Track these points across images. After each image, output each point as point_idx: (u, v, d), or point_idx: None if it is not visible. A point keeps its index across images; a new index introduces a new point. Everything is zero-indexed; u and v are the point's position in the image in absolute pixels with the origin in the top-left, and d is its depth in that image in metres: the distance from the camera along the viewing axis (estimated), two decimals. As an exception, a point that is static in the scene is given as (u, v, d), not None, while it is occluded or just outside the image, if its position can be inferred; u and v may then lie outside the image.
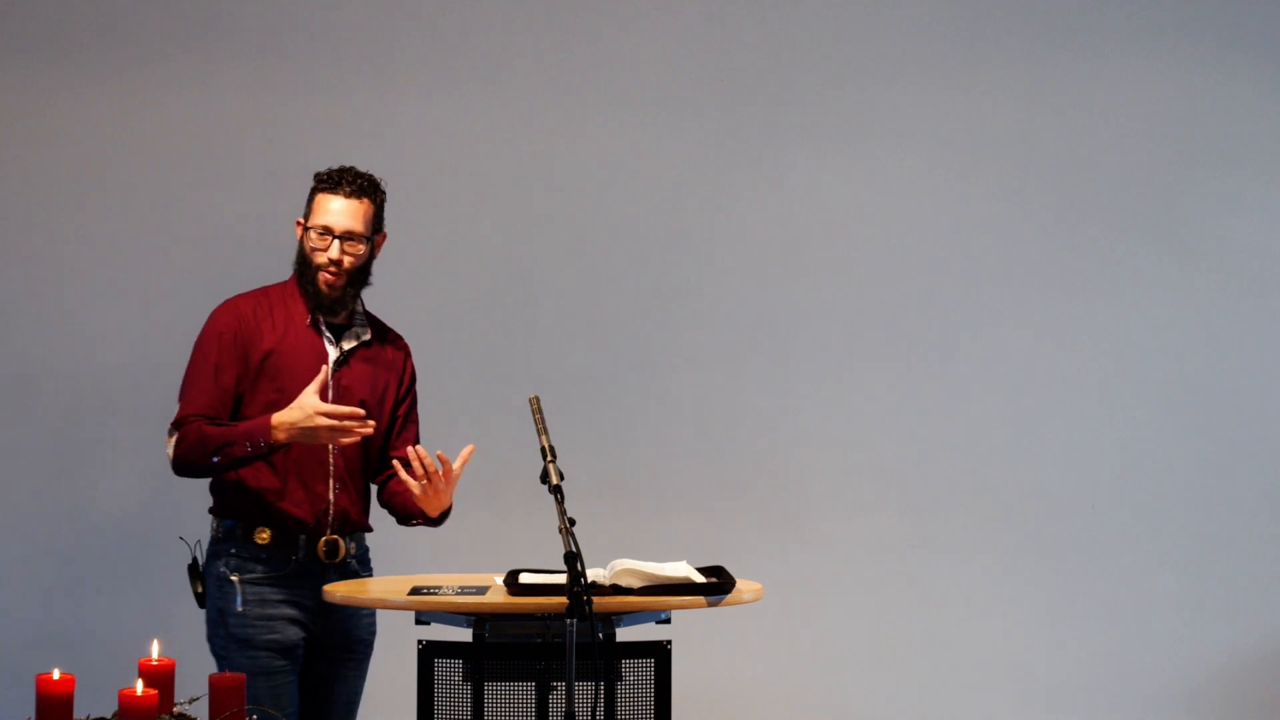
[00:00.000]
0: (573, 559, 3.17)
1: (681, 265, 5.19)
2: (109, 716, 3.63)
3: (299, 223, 3.87)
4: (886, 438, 5.19)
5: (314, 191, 3.84)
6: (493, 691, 3.48)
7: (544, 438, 3.46)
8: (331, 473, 3.79)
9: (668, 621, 3.64)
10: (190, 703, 3.76)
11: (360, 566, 3.91)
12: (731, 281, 5.20)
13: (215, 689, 3.69)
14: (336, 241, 3.78)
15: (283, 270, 5.09)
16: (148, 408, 5.05)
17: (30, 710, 3.63)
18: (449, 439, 5.11)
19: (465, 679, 3.48)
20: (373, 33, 5.12)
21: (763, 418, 5.22)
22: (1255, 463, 5.31)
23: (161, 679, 3.68)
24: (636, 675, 3.52)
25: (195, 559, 3.86)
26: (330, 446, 3.77)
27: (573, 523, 3.26)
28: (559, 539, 3.24)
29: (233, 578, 3.78)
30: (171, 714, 3.67)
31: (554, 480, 3.36)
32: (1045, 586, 5.24)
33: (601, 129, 5.17)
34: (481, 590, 3.49)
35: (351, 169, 3.86)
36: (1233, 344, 5.31)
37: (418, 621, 3.57)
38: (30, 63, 5.04)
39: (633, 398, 5.15)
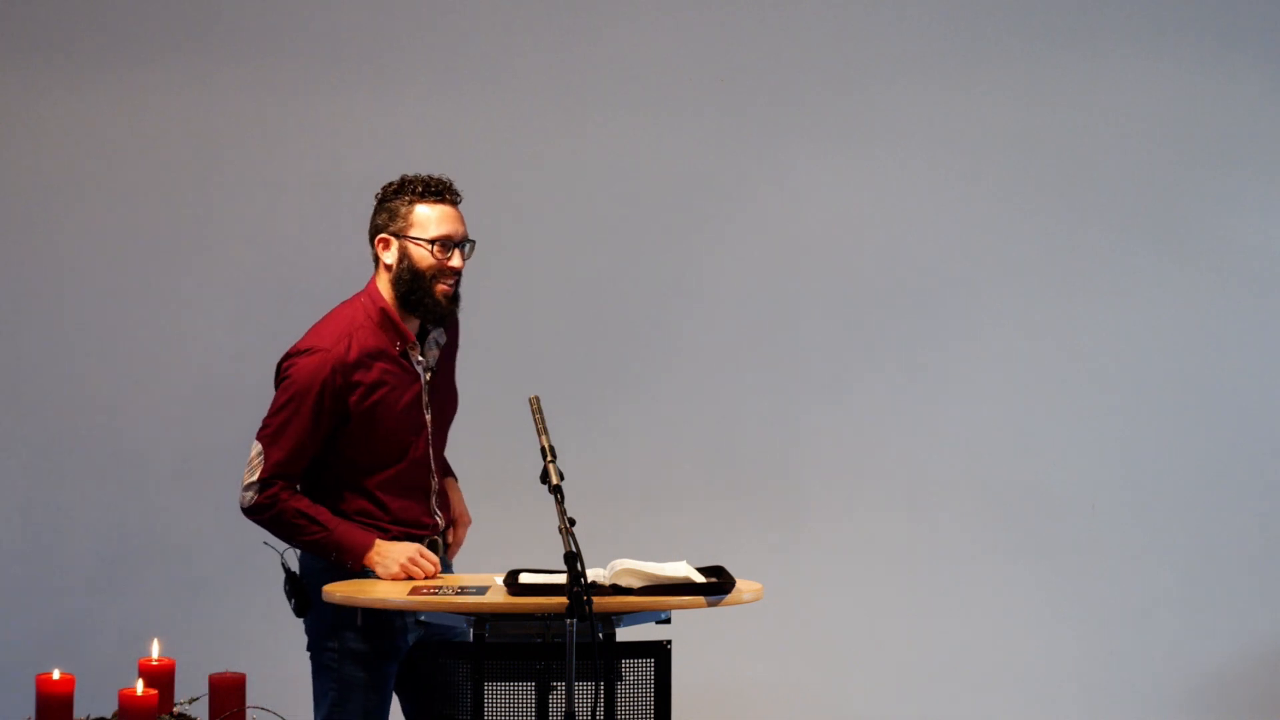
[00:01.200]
0: (573, 559, 3.17)
1: (682, 265, 5.19)
2: (109, 716, 3.64)
3: (384, 239, 3.71)
4: (886, 437, 5.19)
5: (406, 204, 3.71)
6: (493, 691, 3.48)
7: (544, 438, 3.46)
8: (434, 489, 3.83)
9: (668, 621, 3.63)
10: (190, 703, 3.76)
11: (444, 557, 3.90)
12: (732, 281, 5.20)
13: (215, 689, 3.69)
14: (457, 249, 3.73)
15: (277, 267, 5.10)
16: (148, 407, 5.06)
17: (30, 710, 3.63)
18: (449, 439, 5.12)
19: (465, 679, 3.48)
20: (373, 33, 5.12)
21: (763, 417, 5.22)
22: (1255, 463, 5.31)
23: (161, 679, 3.68)
24: (636, 675, 3.52)
25: (293, 571, 3.78)
26: (432, 467, 3.78)
27: (573, 523, 3.26)
28: (559, 539, 3.24)
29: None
30: (171, 714, 3.67)
31: (554, 480, 3.36)
32: (1045, 586, 5.24)
33: (601, 129, 5.17)
34: (481, 590, 3.49)
35: (432, 176, 3.76)
36: (1233, 344, 5.31)
37: (418, 621, 3.57)
38: (30, 63, 5.04)
39: (633, 398, 5.15)
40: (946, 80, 5.24)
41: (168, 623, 4.78)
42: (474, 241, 3.77)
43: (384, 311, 3.71)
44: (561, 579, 3.30)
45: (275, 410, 3.68)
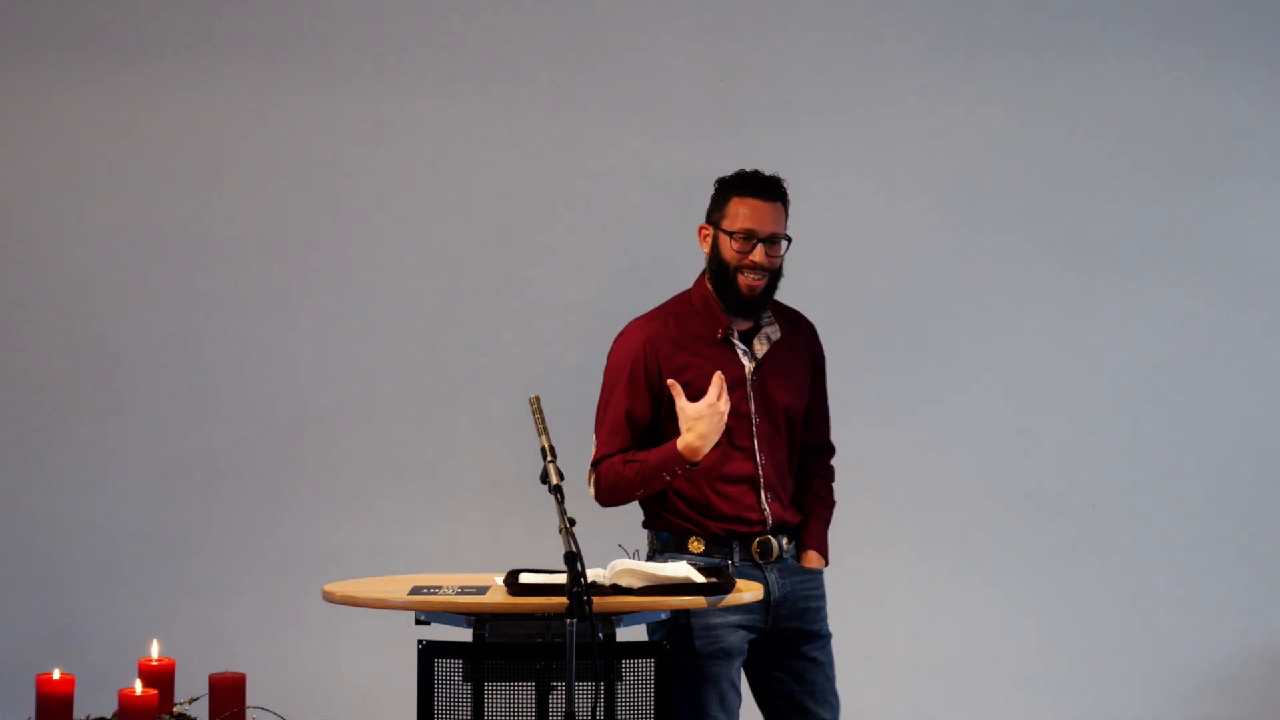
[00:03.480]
0: (573, 559, 3.17)
1: (681, 265, 5.18)
2: (109, 716, 3.64)
3: (704, 229, 3.85)
4: (886, 437, 5.19)
5: (726, 196, 3.82)
6: (493, 691, 3.48)
7: (544, 438, 3.46)
8: (762, 484, 3.79)
9: (668, 621, 3.64)
10: (190, 703, 3.77)
11: (793, 560, 3.86)
12: (731, 281, 5.20)
13: (215, 689, 3.70)
14: (761, 245, 3.76)
15: (278, 267, 5.11)
16: (148, 407, 5.05)
17: (30, 710, 3.63)
18: (449, 439, 5.13)
19: (465, 679, 3.48)
20: (373, 33, 5.12)
21: (763, 418, 5.22)
22: (1255, 463, 5.31)
23: (161, 679, 3.69)
24: (636, 675, 3.52)
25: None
26: (760, 460, 3.76)
27: (573, 523, 3.27)
28: (559, 539, 3.24)
29: None
30: (171, 714, 3.68)
31: (554, 480, 3.36)
32: (1045, 586, 5.24)
33: (601, 128, 5.16)
34: (481, 590, 3.49)
35: (757, 171, 3.84)
36: (1233, 344, 5.31)
37: (418, 621, 3.57)
38: (30, 63, 5.04)
39: (633, 398, 5.14)
40: (946, 81, 5.24)
41: (168, 623, 4.78)
42: (789, 239, 3.81)
43: (705, 299, 3.84)
44: (561, 579, 3.30)
45: (600, 396, 3.87)
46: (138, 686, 3.60)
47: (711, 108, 5.19)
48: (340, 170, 5.10)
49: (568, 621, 3.14)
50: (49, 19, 5.04)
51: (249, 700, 3.75)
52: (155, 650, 3.76)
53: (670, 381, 3.67)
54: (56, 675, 3.57)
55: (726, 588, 3.49)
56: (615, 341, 3.89)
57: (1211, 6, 5.32)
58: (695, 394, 3.69)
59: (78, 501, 5.01)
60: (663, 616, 3.62)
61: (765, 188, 3.80)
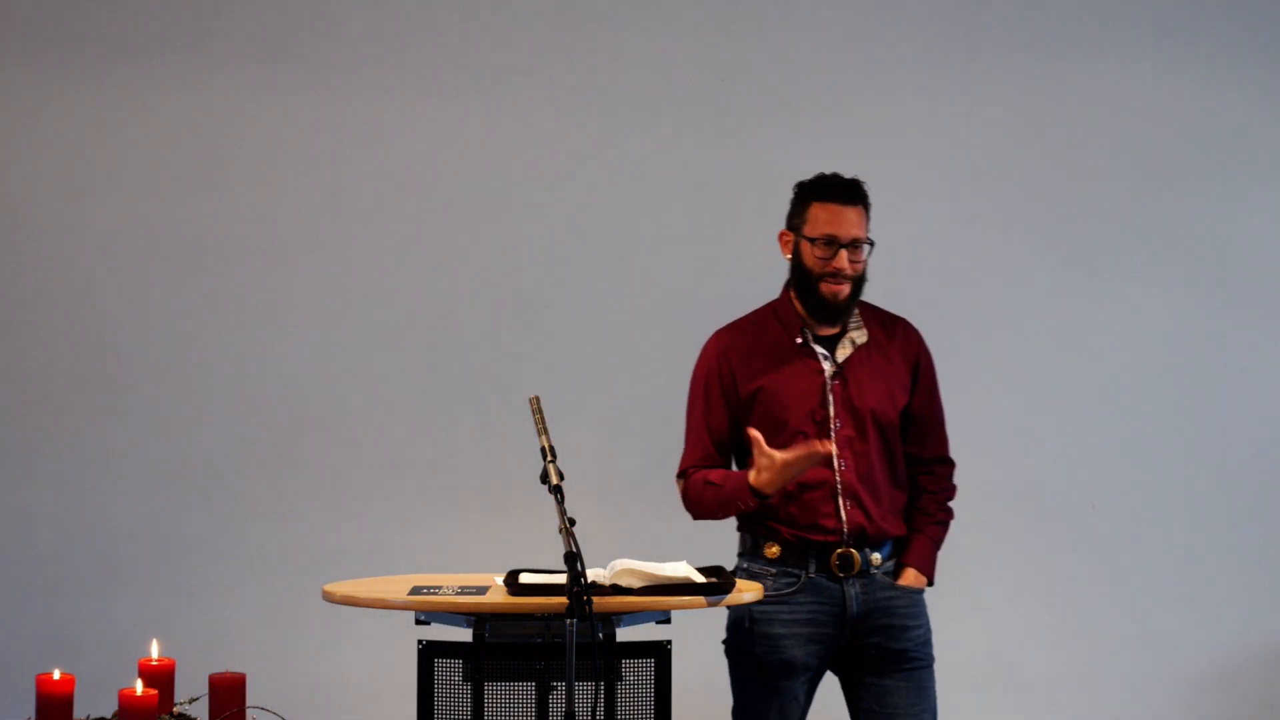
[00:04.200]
0: (573, 559, 3.17)
1: (681, 264, 5.19)
2: (109, 716, 3.64)
3: (784, 235, 3.79)
4: (886, 438, 5.19)
5: (806, 201, 3.74)
6: (493, 691, 3.48)
7: (544, 438, 3.46)
8: (840, 490, 3.67)
9: (668, 621, 3.64)
10: (190, 703, 3.77)
11: (887, 576, 3.74)
12: (731, 281, 5.19)
13: (215, 689, 3.69)
14: (843, 250, 3.69)
15: (278, 267, 5.11)
16: (148, 407, 5.06)
17: (30, 710, 3.63)
18: (449, 439, 5.13)
19: (465, 679, 3.48)
20: (373, 33, 5.12)
21: (763, 418, 5.22)
22: (1255, 463, 5.31)
23: (161, 679, 3.68)
24: (636, 675, 3.52)
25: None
26: (839, 466, 3.66)
27: (573, 523, 3.26)
28: (559, 539, 3.24)
29: None
30: (171, 714, 3.68)
31: (554, 480, 3.36)
32: (1045, 586, 5.24)
33: (601, 128, 5.17)
34: (481, 590, 3.49)
35: (837, 175, 3.76)
36: (1233, 344, 5.31)
37: (418, 621, 3.57)
38: (30, 63, 5.04)
39: (633, 398, 5.15)
40: (946, 81, 5.25)
41: (168, 623, 4.78)
42: (871, 243, 3.74)
43: (785, 305, 3.79)
44: (561, 579, 3.30)
45: (686, 405, 3.84)
46: (138, 686, 3.59)
47: (711, 107, 5.19)
48: (340, 170, 5.10)
49: (568, 621, 3.14)
50: (49, 19, 5.04)
51: (249, 700, 3.74)
52: (155, 650, 3.76)
53: (751, 432, 3.58)
54: (56, 675, 3.56)
55: (726, 588, 3.48)
56: (701, 351, 3.86)
57: (1211, 6, 5.32)
58: (768, 403, 3.67)
59: (78, 501, 5.01)
60: (663, 616, 3.61)
61: (845, 191, 3.72)
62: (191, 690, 3.80)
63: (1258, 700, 5.29)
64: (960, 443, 5.23)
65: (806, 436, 3.64)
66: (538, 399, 3.57)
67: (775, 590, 3.68)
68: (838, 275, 3.68)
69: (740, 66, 5.20)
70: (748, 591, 3.54)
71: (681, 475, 3.81)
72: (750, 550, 3.76)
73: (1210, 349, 5.30)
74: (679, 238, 5.19)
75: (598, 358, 5.15)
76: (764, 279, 5.23)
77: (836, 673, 3.78)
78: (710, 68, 5.20)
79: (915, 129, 5.23)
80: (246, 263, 5.08)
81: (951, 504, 3.87)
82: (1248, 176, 5.32)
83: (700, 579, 3.52)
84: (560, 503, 3.31)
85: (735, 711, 3.78)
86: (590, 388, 5.13)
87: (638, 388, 5.15)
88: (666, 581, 3.46)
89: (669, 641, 3.57)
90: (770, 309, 3.82)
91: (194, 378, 5.05)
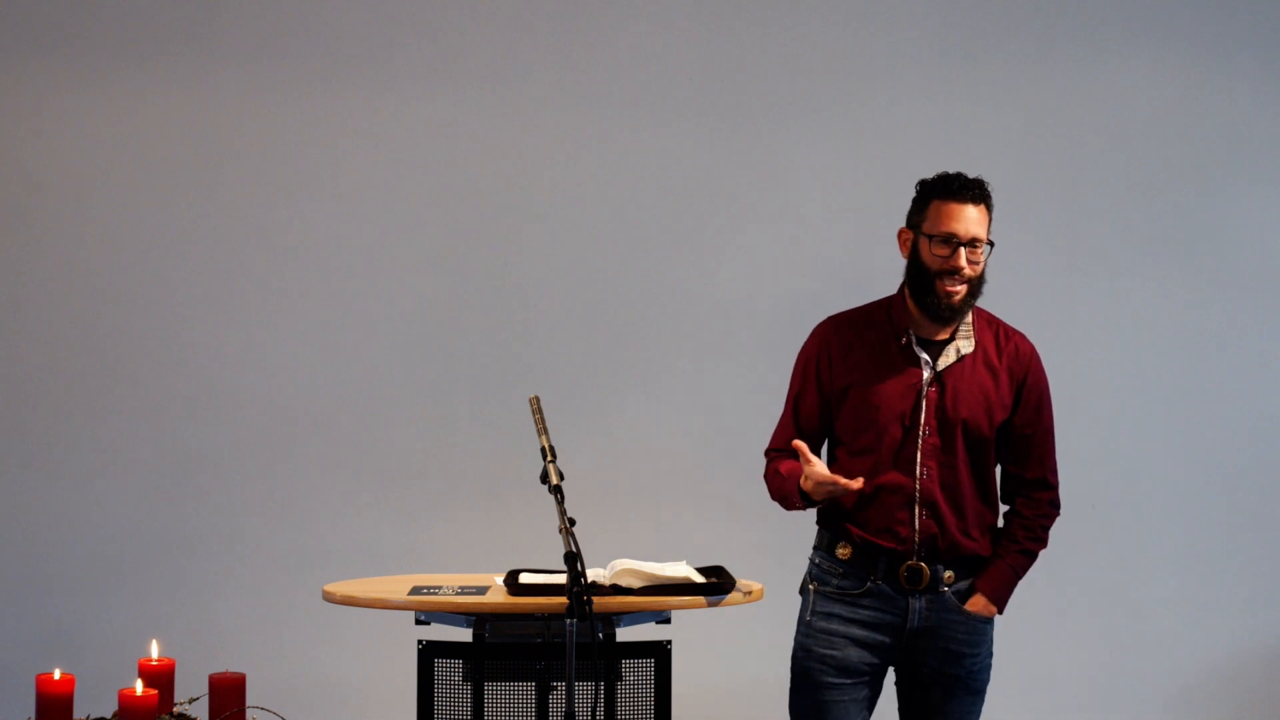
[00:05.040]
0: (573, 559, 3.17)
1: (681, 265, 5.19)
2: (109, 716, 3.64)
3: (903, 233, 3.69)
4: (886, 438, 5.19)
5: (928, 198, 3.65)
6: (493, 691, 3.48)
7: (544, 438, 3.46)
8: (917, 498, 3.57)
9: (668, 621, 3.64)
10: (190, 703, 3.77)
11: (957, 597, 3.63)
12: (731, 281, 5.20)
13: (215, 689, 3.70)
14: (962, 249, 3.60)
15: (278, 267, 5.11)
16: (148, 407, 5.06)
17: (30, 710, 3.64)
18: (449, 439, 5.13)
19: (465, 679, 3.48)
20: (373, 33, 5.12)
21: (763, 417, 5.21)
22: (1255, 463, 5.31)
23: (161, 679, 3.69)
24: (636, 675, 3.52)
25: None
26: (921, 474, 3.58)
27: (573, 523, 3.26)
28: (559, 539, 3.24)
29: (810, 585, 3.65)
30: (171, 714, 3.68)
31: (554, 480, 3.36)
32: (1045, 586, 5.24)
33: (601, 128, 5.17)
34: (481, 590, 3.49)
35: (961, 174, 3.66)
36: (1233, 344, 5.31)
37: (418, 621, 3.57)
38: (30, 63, 5.04)
39: (633, 398, 5.15)
40: (946, 81, 5.25)
41: (168, 623, 4.79)
42: (990, 244, 3.66)
43: (897, 304, 3.70)
44: (561, 579, 3.31)
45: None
46: (138, 686, 3.59)
47: (711, 107, 5.19)
48: (340, 169, 5.10)
49: (568, 621, 3.14)
50: (49, 19, 5.04)
51: (249, 700, 3.75)
52: (155, 650, 3.76)
53: (796, 443, 3.55)
54: (56, 675, 3.57)
55: (726, 588, 3.48)
56: (809, 335, 3.79)
57: (1211, 6, 5.32)
58: (858, 399, 3.62)
59: (78, 501, 5.01)
60: (663, 616, 3.61)
61: (967, 190, 3.63)
62: (191, 690, 3.80)
63: (1257, 700, 5.29)
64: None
65: (892, 439, 3.59)
66: (538, 399, 3.57)
67: (840, 589, 3.62)
68: (956, 274, 3.60)
69: (740, 66, 5.20)
70: (748, 591, 3.54)
71: (766, 455, 3.77)
72: (824, 546, 3.69)
73: (1210, 349, 5.30)
74: (679, 237, 5.19)
75: (598, 358, 5.15)
76: (765, 279, 5.24)
77: (899, 683, 3.73)
78: (710, 67, 5.20)
79: (915, 128, 5.23)
80: (246, 262, 5.08)
81: (1047, 532, 3.77)
82: (1248, 176, 5.32)
83: (700, 579, 3.52)
84: (560, 503, 3.31)
85: (790, 705, 3.71)
86: (590, 387, 5.13)
87: (638, 387, 5.15)
88: (666, 581, 3.47)
89: (669, 641, 3.57)
90: (884, 304, 3.74)
91: (194, 377, 5.05)
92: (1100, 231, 5.28)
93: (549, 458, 3.41)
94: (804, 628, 3.63)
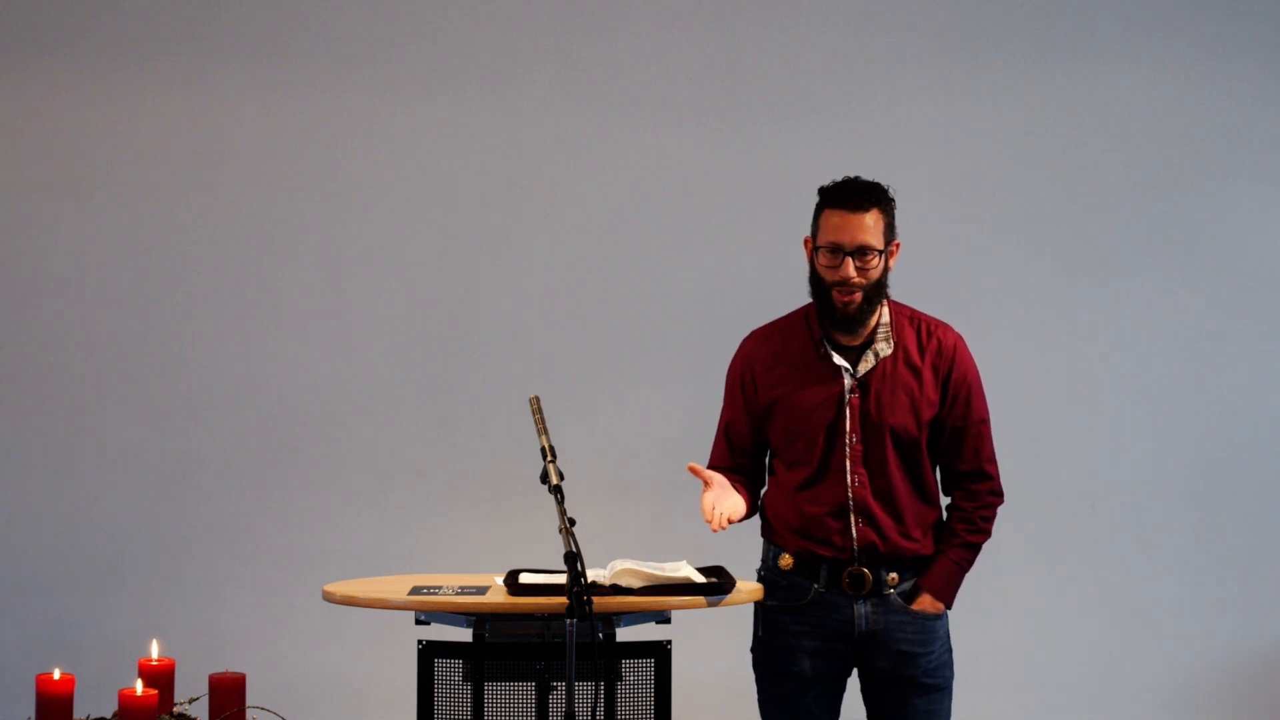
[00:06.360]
0: (573, 559, 3.17)
1: (682, 265, 5.19)
2: (109, 716, 3.64)
3: (807, 241, 3.64)
4: (886, 438, 5.19)
5: (820, 207, 3.58)
6: (493, 691, 3.48)
7: (544, 438, 3.46)
8: (851, 507, 3.58)
9: (668, 621, 3.64)
10: (190, 703, 3.77)
11: (903, 598, 3.62)
12: (731, 281, 5.20)
13: (215, 689, 3.70)
14: (849, 259, 3.52)
15: (278, 267, 5.11)
16: (148, 407, 5.06)
17: (30, 710, 3.64)
18: (449, 439, 5.13)
19: (465, 679, 3.48)
20: (373, 33, 5.12)
21: (763, 418, 5.22)
22: (1255, 463, 5.31)
23: (161, 679, 3.69)
24: (636, 675, 3.52)
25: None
26: (851, 481, 3.57)
27: (573, 523, 3.26)
28: (559, 539, 3.24)
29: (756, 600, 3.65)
30: (171, 714, 3.68)
31: (554, 480, 3.36)
32: (1045, 586, 5.24)
33: (601, 128, 5.17)
34: (481, 590, 3.49)
35: (856, 179, 3.59)
36: (1233, 344, 5.31)
37: (418, 621, 3.57)
38: (30, 63, 5.04)
39: (633, 397, 5.15)
40: (947, 82, 5.25)
41: (168, 623, 4.79)
42: (881, 251, 3.54)
43: (810, 313, 3.67)
44: (561, 579, 3.30)
45: None
46: (138, 686, 3.59)
47: (711, 107, 5.19)
48: (339, 169, 5.10)
49: (568, 621, 3.14)
50: (49, 19, 5.04)
51: (249, 700, 3.75)
52: (155, 650, 3.76)
53: (690, 465, 3.58)
54: (56, 675, 3.57)
55: (726, 588, 3.48)
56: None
57: (1211, 6, 5.32)
58: (784, 412, 3.62)
59: (77, 501, 5.01)
60: (663, 616, 3.61)
61: (853, 196, 3.54)
62: (191, 690, 3.80)
63: (1258, 700, 5.29)
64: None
65: (823, 451, 3.59)
66: (538, 399, 3.57)
67: (786, 600, 3.65)
68: (845, 284, 3.54)
69: (740, 66, 5.20)
70: (748, 591, 3.55)
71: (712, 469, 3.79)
72: (768, 558, 3.73)
73: (1210, 348, 5.30)
74: (679, 237, 5.19)
75: (598, 358, 5.15)
76: (764, 279, 5.23)
77: (863, 688, 3.73)
78: (710, 66, 5.20)
79: (915, 129, 5.23)
80: (245, 262, 5.08)
81: (989, 523, 3.75)
82: (1248, 176, 5.32)
83: (700, 579, 3.52)
84: (560, 503, 3.31)
85: (760, 713, 3.76)
86: (590, 388, 5.13)
87: (638, 387, 5.15)
88: (666, 581, 3.47)
89: (669, 641, 3.57)
90: (803, 313, 3.70)
91: (194, 377, 5.05)
92: (1100, 231, 5.28)
93: (549, 458, 3.41)
94: (756, 642, 3.70)
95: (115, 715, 3.61)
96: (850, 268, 3.53)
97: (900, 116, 5.23)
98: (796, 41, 5.22)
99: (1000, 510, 5.28)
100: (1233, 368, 5.30)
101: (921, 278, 5.22)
